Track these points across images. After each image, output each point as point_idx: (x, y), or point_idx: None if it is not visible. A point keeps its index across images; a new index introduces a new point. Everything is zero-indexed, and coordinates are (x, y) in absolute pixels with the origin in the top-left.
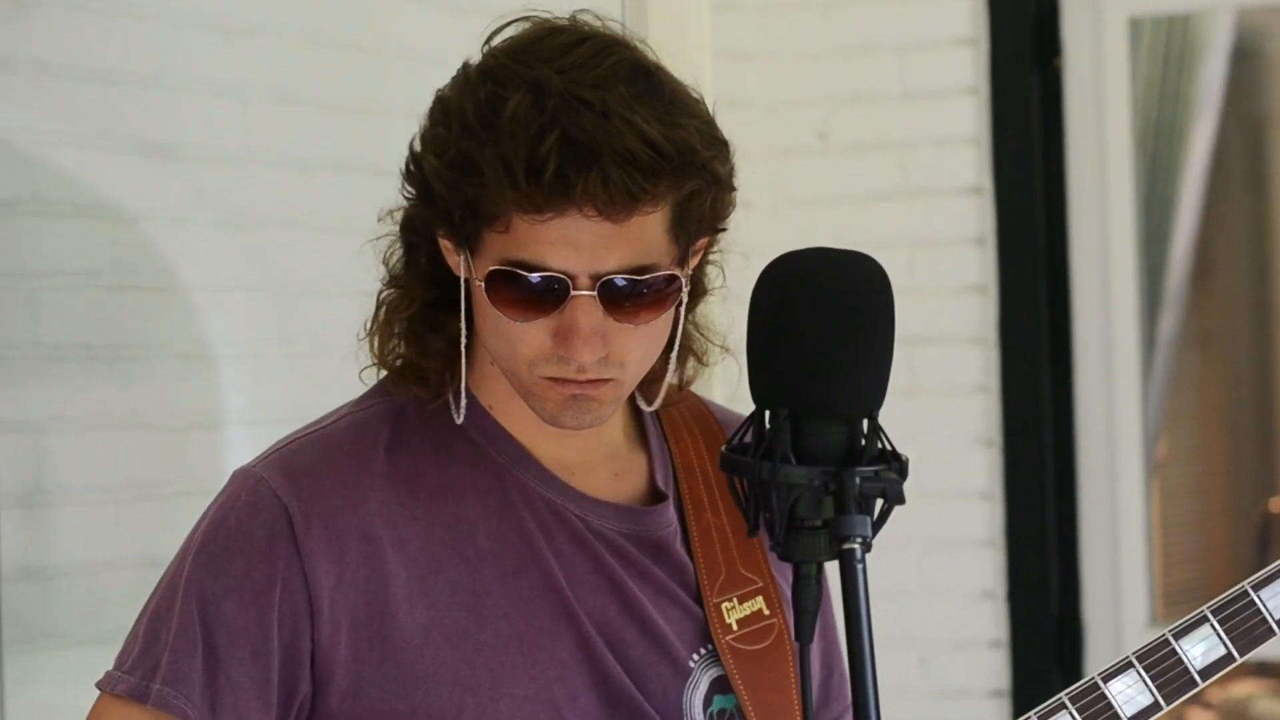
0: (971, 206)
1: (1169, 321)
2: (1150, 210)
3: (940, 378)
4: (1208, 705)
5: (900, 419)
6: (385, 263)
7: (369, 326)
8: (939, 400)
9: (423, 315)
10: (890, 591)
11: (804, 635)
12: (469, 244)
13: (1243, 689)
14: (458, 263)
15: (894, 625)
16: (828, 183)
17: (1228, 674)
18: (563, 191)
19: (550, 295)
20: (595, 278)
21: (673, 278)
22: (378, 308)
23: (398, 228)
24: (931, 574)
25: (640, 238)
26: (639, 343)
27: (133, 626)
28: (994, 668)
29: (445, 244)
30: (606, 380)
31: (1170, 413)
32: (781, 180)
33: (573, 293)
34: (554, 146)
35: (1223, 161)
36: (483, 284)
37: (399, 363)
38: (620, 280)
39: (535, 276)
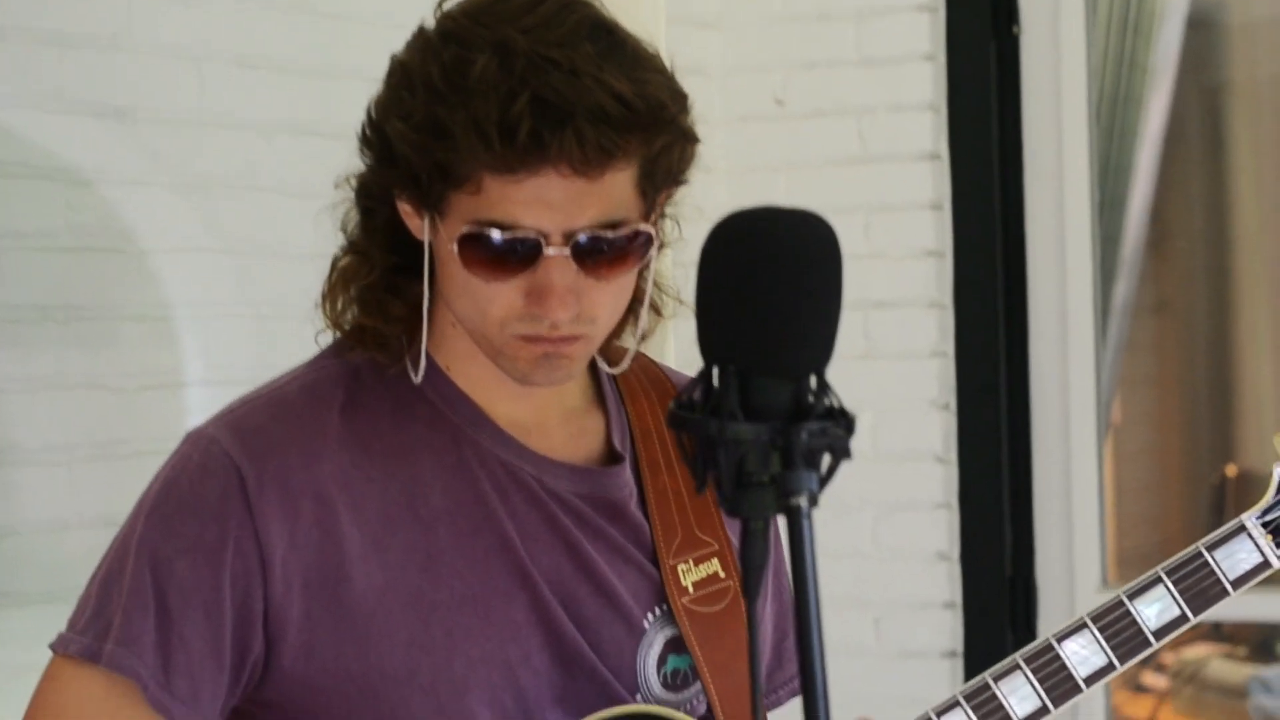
0: (928, 172)
1: (1124, 288)
2: (1106, 177)
3: (896, 342)
4: (1161, 668)
5: (857, 382)
6: (343, 229)
7: (325, 291)
8: (895, 364)
9: (383, 281)
10: (845, 553)
11: (750, 591)
12: (435, 207)
13: (1196, 652)
14: (419, 226)
15: (848, 586)
16: (786, 148)
17: (1182, 636)
18: (538, 151)
19: (523, 255)
20: (568, 236)
21: (644, 233)
22: (333, 272)
23: (354, 193)
24: (886, 536)
25: (611, 194)
26: (610, 299)
27: (85, 588)
28: (947, 629)
29: (405, 208)
30: (578, 337)
31: (1125, 378)
32: (740, 146)
33: (546, 251)
34: (526, 107)
35: (1179, 130)
36: (455, 246)
37: (357, 328)
38: (593, 237)
39: (508, 236)
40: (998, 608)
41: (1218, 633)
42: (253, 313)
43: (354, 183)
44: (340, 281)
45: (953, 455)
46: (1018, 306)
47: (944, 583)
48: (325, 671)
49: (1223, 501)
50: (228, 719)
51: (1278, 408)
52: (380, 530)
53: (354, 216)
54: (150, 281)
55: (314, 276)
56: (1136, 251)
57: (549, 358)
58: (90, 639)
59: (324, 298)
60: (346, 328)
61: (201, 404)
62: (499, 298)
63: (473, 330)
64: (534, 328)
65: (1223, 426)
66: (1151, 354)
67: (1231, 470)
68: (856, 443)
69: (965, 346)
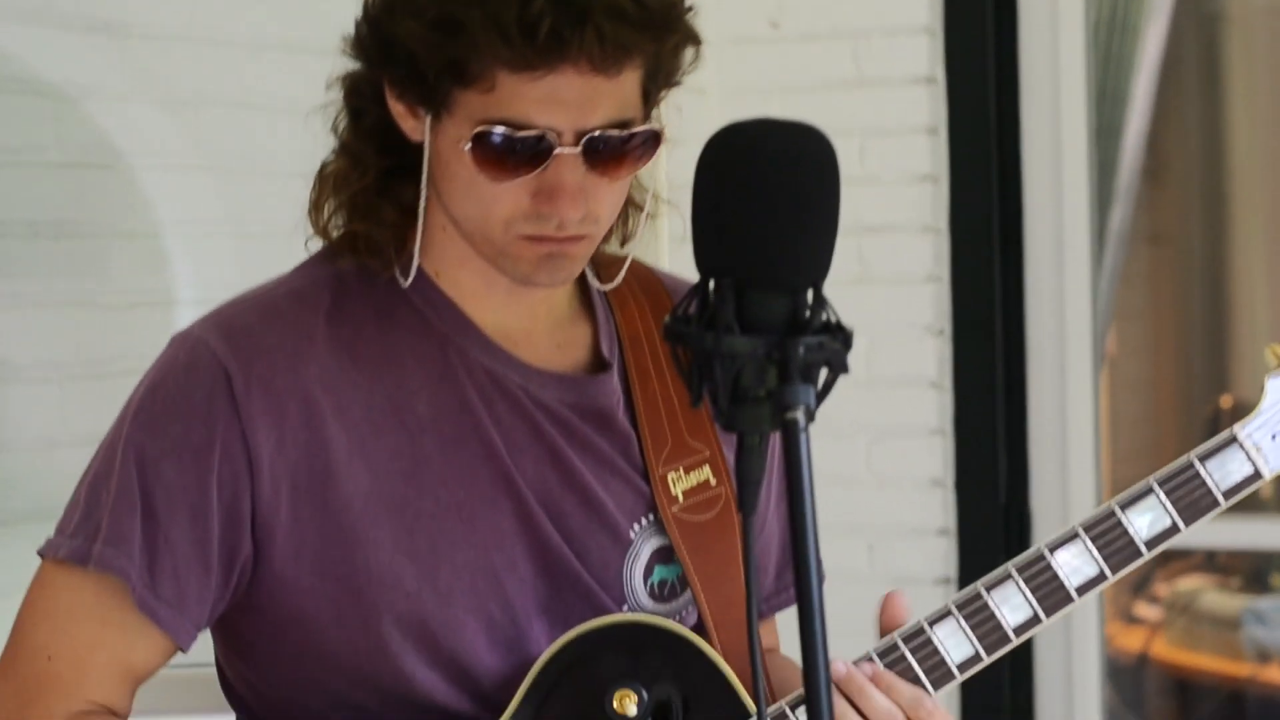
0: (924, 96)
1: (1120, 216)
2: (1103, 104)
3: (891, 267)
4: (1155, 599)
5: (851, 308)
6: (334, 130)
7: (313, 198)
8: (890, 289)
9: (375, 185)
10: (839, 479)
11: (746, 506)
12: (439, 107)
13: (1190, 583)
14: (415, 127)
15: (842, 513)
16: (780, 71)
17: (1175, 568)
18: (558, 49)
19: (535, 154)
20: (579, 135)
21: (652, 132)
22: (323, 179)
23: (343, 95)
24: (880, 462)
25: (621, 94)
26: (613, 198)
27: (73, 493)
28: (941, 556)
29: (399, 108)
30: (582, 237)
31: (1120, 308)
32: (734, 69)
33: (557, 150)
34: (546, 4)
35: (1176, 58)
36: (467, 144)
37: (348, 234)
38: (604, 136)
39: (522, 135)
40: (992, 535)
41: (1211, 564)
42: (242, 231)
43: (345, 84)
44: (329, 187)
45: (948, 381)
46: (1013, 233)
47: (938, 510)
48: (312, 573)
49: (1217, 432)
50: (218, 632)
51: (1272, 338)
52: (366, 435)
53: (344, 119)
54: (140, 199)
55: (304, 194)
56: (1132, 180)
57: (552, 258)
58: (79, 542)
59: (312, 205)
60: (335, 235)
61: (191, 321)
62: (505, 197)
63: (474, 232)
64: (540, 227)
65: (1218, 358)
66: (1147, 285)
67: (1226, 401)
68: (851, 368)
69: (960, 271)
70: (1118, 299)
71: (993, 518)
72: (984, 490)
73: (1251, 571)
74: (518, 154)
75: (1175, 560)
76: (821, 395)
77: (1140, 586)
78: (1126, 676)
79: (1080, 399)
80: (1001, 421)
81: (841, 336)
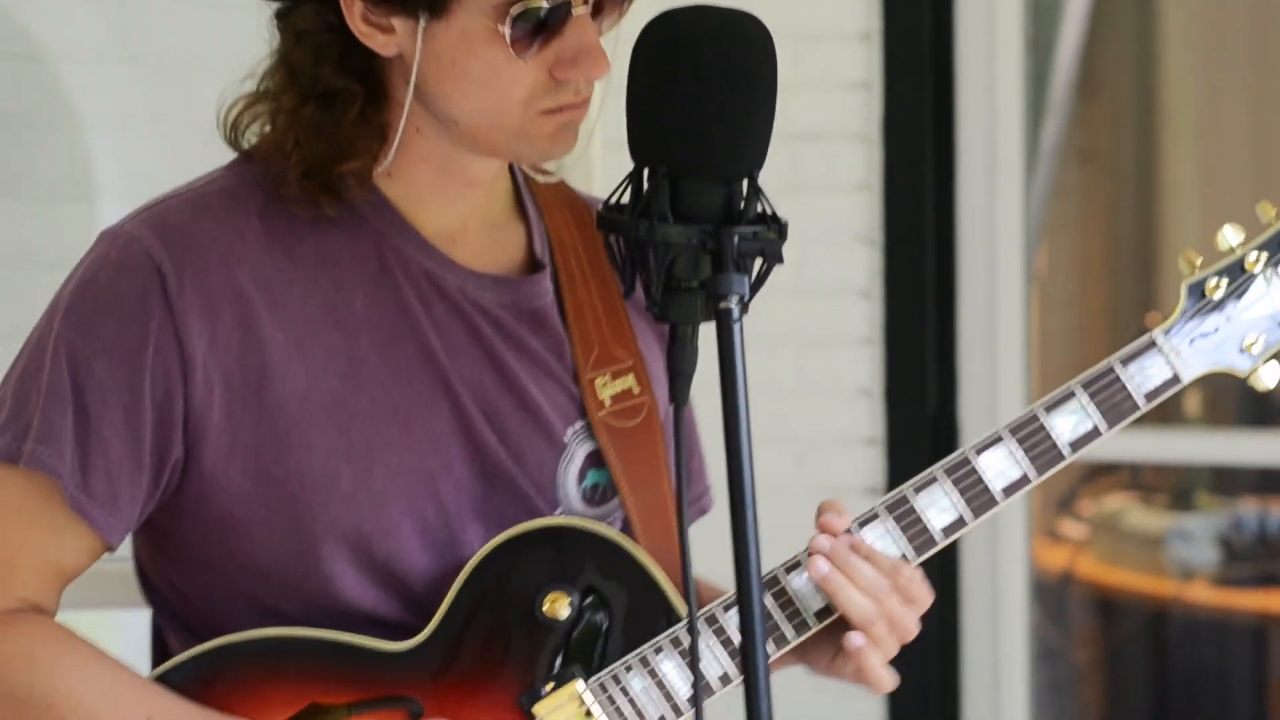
0: (858, 3)
1: (1052, 131)
2: (1038, 16)
3: (822, 175)
4: (1080, 517)
5: (781, 215)
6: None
7: (237, 112)
8: (821, 198)
9: (356, 114)
10: (768, 389)
11: (679, 398)
12: (439, 7)
13: (1115, 501)
14: (388, 42)
15: (771, 422)
16: None
17: (1101, 486)
18: None
19: (561, 21)
20: None
21: None
22: (258, 97)
23: (278, 17)
24: (809, 371)
25: None
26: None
27: None
28: (870, 465)
29: (365, 28)
30: (588, 100)
31: (1051, 224)
32: None
33: (575, 12)
34: None
35: None
36: (505, 26)
37: (317, 163)
38: None
39: (551, 3)
40: (920, 445)
41: (1137, 482)
42: (166, 127)
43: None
44: (294, 122)
45: (878, 291)
46: (946, 141)
47: (866, 419)
48: (244, 475)
49: None
50: (142, 533)
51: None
52: (302, 334)
53: (284, 39)
54: (60, 89)
55: (234, 91)
56: (1065, 95)
57: (567, 127)
58: (8, 440)
59: (285, 136)
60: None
61: (116, 216)
62: (525, 77)
63: (482, 124)
64: (559, 98)
65: (1146, 276)
66: (1078, 201)
67: (1154, 319)
68: (780, 277)
69: (892, 181)
70: (1048, 215)
71: (921, 428)
72: (913, 400)
73: (1176, 490)
74: (548, 26)
75: (1101, 478)
76: (755, 286)
77: (1065, 504)
78: (1051, 594)
79: (1010, 310)
80: (931, 331)
81: (776, 227)
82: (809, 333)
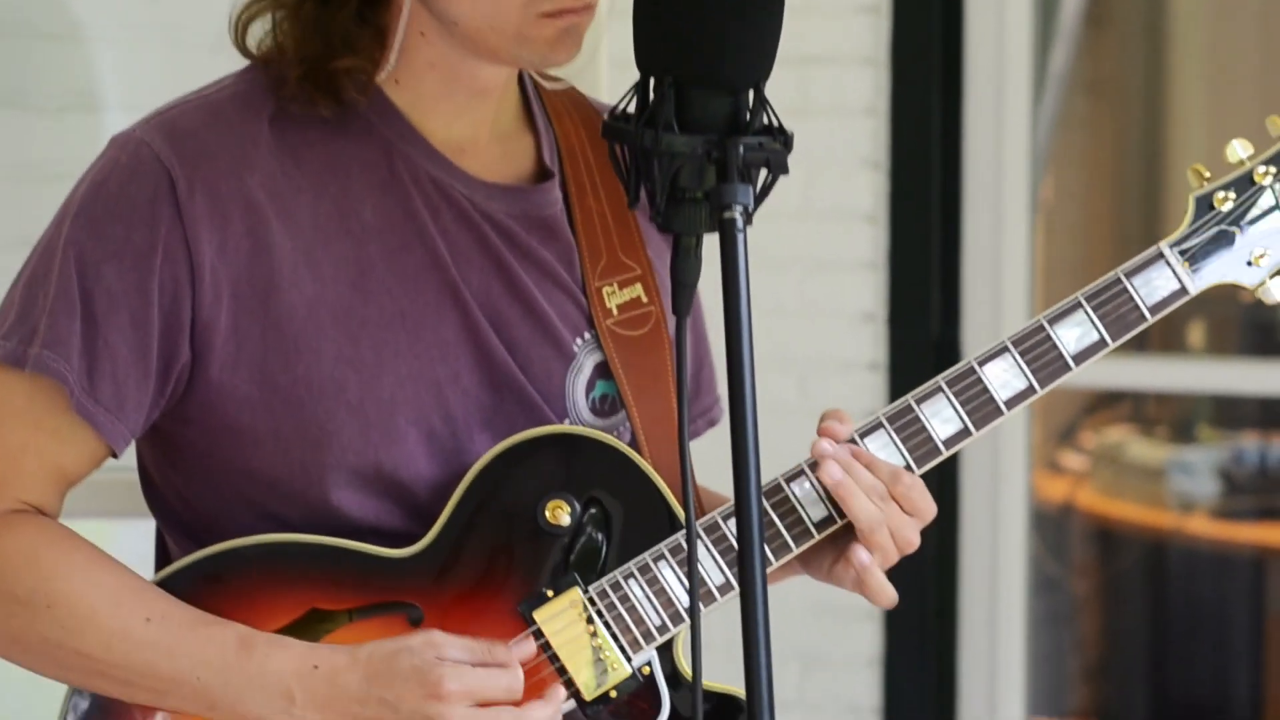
0: None
1: (1061, 59)
2: None
3: (830, 99)
4: (1081, 449)
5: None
6: None
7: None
8: (828, 121)
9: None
10: (771, 312)
11: (681, 309)
12: None
13: (1116, 433)
14: None
15: (774, 345)
16: None
17: (1103, 418)
18: None
19: None
20: None
21: None
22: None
23: None
24: (813, 295)
25: None
26: None
27: (7, 294)
28: (872, 389)
29: None
30: (592, 4)
31: (1058, 155)
32: None
33: None
34: None
35: None
36: None
37: (327, 72)
38: None
39: None
40: (922, 369)
41: (1138, 414)
42: (171, 36)
43: None
44: (294, 20)
45: (883, 215)
46: (954, 66)
47: (869, 344)
48: (251, 383)
49: None
50: (147, 440)
51: None
52: (311, 242)
53: None
54: (68, 1)
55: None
56: (1074, 23)
57: (569, 32)
58: (15, 344)
59: (286, 36)
60: (301, 67)
61: (121, 127)
62: None
63: (482, 26)
64: (557, 1)
65: (1152, 207)
66: (1085, 131)
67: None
68: (785, 201)
69: (899, 106)
70: (1055, 145)
71: (924, 353)
72: (916, 325)
73: (1178, 422)
74: None
75: (1102, 410)
76: (760, 197)
77: (1067, 436)
78: (1051, 525)
79: (1015, 236)
80: (936, 256)
81: (782, 138)
82: (813, 256)
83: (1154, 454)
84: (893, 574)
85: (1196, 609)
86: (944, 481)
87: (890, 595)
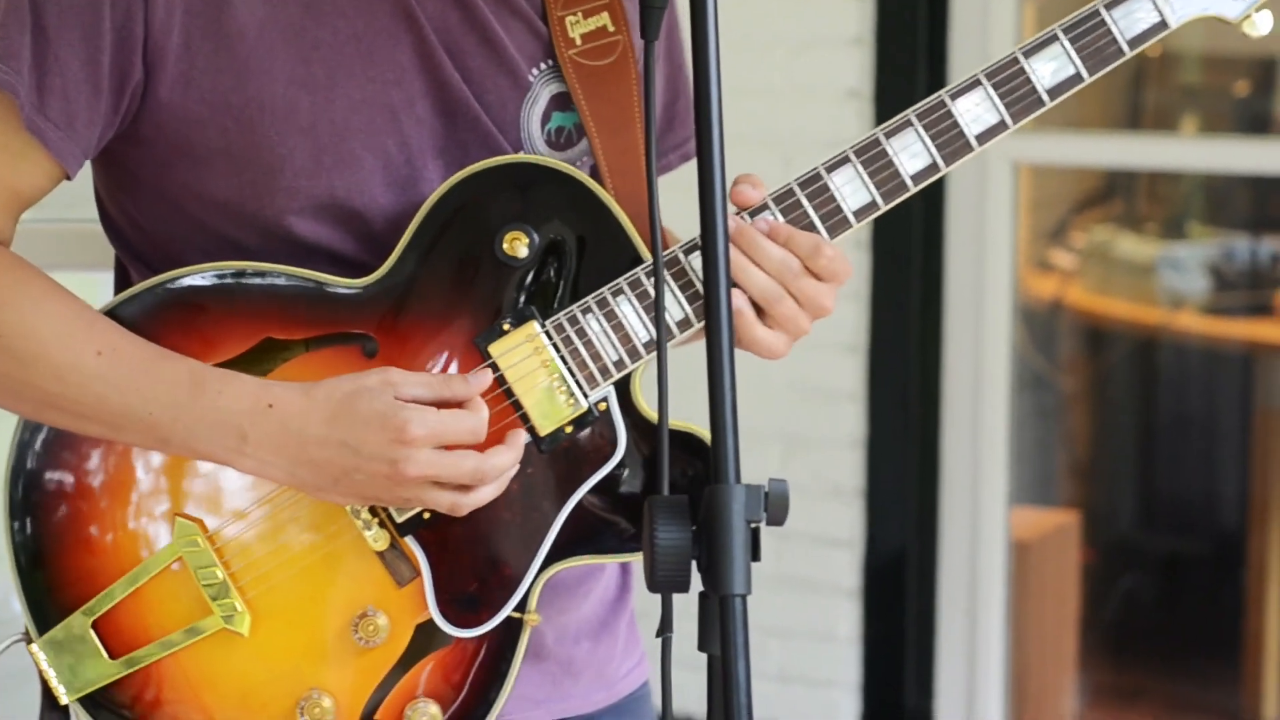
0: None
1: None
2: None
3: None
4: (1071, 247)
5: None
6: None
7: None
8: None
9: None
10: (755, 90)
11: (649, 32)
12: None
13: (1106, 231)
14: None
15: (758, 126)
16: None
17: (1093, 216)
18: None
19: None
20: None
21: None
22: None
23: None
24: (798, 75)
25: None
26: None
27: None
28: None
29: None
30: None
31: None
32: None
33: None
34: None
35: None
36: None
37: None
38: None
39: None
40: None
41: (1129, 213)
42: None
43: None
44: None
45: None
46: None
47: (854, 120)
48: (203, 102)
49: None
50: (101, 165)
51: None
52: None
53: None
54: None
55: None
56: None
57: None
58: None
59: None
60: None
61: None
62: None
63: None
64: None
65: None
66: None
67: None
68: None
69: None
70: None
71: None
72: (902, 101)
73: (1167, 219)
74: None
75: (1092, 208)
76: None
77: (1056, 234)
78: (1039, 322)
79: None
80: (922, 32)
81: None
82: (798, 35)
83: (1144, 251)
84: (877, 357)
85: (1184, 405)
86: (928, 279)
87: (781, 349)
